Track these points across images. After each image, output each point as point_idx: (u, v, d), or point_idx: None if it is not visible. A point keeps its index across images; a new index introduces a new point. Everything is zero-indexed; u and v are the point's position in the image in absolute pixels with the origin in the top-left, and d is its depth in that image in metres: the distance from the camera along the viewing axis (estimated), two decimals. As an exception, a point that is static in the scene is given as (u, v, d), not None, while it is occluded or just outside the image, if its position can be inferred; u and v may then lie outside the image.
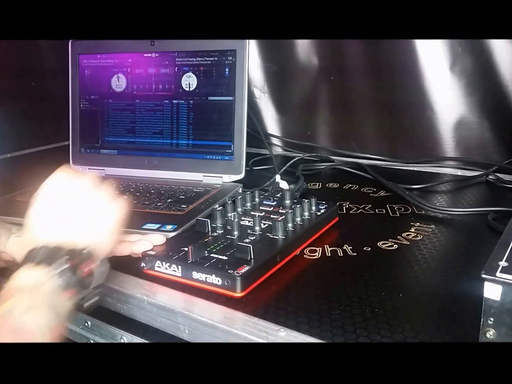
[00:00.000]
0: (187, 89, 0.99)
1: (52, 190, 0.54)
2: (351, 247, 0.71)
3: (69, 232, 0.52)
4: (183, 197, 0.89)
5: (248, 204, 0.79)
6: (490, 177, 0.99)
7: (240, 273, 0.58)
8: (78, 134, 1.08)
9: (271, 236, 0.68)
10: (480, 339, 0.43)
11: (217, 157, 0.97)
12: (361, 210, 0.86)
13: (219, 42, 0.95)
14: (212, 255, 0.63)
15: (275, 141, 1.33)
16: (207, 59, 0.96)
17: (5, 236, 0.61)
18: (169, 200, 0.87)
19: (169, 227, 0.75)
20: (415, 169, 1.10)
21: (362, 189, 0.97)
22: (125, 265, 0.66)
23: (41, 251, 0.50)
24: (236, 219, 0.71)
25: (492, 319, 0.42)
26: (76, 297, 0.50)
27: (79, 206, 0.54)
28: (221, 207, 0.75)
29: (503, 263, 0.43)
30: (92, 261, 0.52)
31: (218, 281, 0.58)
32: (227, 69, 0.95)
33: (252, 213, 0.76)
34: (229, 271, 0.58)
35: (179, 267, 0.61)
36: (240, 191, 0.90)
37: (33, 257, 0.49)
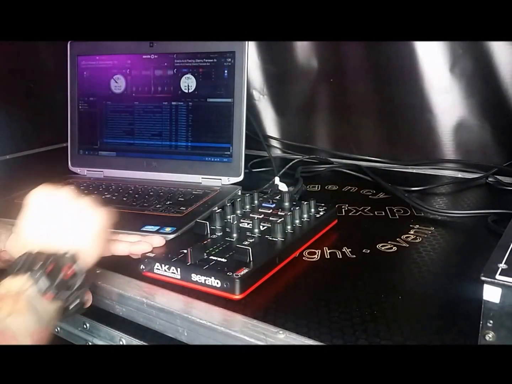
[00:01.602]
0: (186, 91, 0.99)
1: (37, 201, 0.58)
2: (350, 249, 0.71)
3: (53, 237, 0.55)
4: (182, 199, 0.89)
5: (247, 206, 0.79)
6: (489, 179, 0.99)
7: (239, 276, 0.58)
8: (77, 135, 1.07)
9: (270, 239, 0.68)
10: (480, 342, 0.43)
11: (216, 159, 0.97)
12: (360, 212, 0.86)
13: (218, 44, 0.95)
14: (211, 257, 0.62)
15: (274, 143, 1.33)
16: (206, 60, 0.96)
17: (5, 236, 0.62)
18: (168, 202, 0.87)
19: (168, 229, 0.75)
20: (415, 171, 1.10)
21: (361, 191, 0.97)
22: (124, 267, 0.66)
23: (23, 258, 0.52)
24: (235, 221, 0.71)
25: (491, 321, 0.42)
26: (57, 300, 0.52)
27: (63, 214, 0.57)
28: (220, 209, 0.75)
29: (502, 266, 0.43)
30: (74, 263, 0.53)
31: (217, 283, 0.58)
32: (226, 71, 0.95)
33: (251, 215, 0.76)
34: (228, 273, 0.58)
35: (178, 269, 0.61)
36: (239, 193, 0.90)
37: (14, 266, 0.52)
